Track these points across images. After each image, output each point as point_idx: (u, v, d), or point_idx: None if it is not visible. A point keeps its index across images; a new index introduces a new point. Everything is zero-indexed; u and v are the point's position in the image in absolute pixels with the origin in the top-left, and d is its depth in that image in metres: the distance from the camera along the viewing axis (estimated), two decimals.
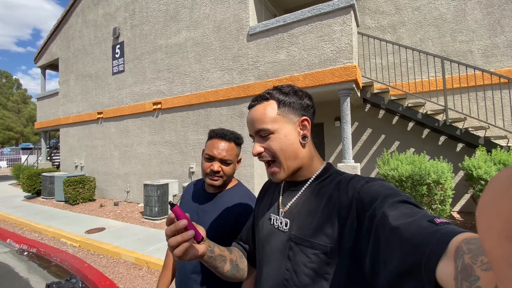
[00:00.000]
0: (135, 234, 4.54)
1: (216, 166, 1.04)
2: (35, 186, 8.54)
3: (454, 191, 3.73)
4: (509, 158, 3.51)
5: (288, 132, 0.66)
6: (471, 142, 4.31)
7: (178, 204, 1.26)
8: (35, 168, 10.29)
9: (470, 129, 4.37)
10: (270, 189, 0.82)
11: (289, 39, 4.81)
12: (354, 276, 0.53)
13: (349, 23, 4.30)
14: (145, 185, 5.60)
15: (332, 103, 5.77)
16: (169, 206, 0.47)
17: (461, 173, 4.79)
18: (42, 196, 8.12)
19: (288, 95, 0.68)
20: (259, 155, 0.68)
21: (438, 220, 0.39)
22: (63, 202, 7.34)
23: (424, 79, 5.25)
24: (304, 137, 0.67)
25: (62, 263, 3.67)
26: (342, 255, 0.54)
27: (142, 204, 6.53)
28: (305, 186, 0.68)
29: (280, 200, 0.72)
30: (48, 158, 11.45)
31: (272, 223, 0.71)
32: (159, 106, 6.59)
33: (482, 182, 3.54)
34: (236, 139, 1.10)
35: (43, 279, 3.30)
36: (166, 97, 6.52)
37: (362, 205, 0.52)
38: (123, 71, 7.48)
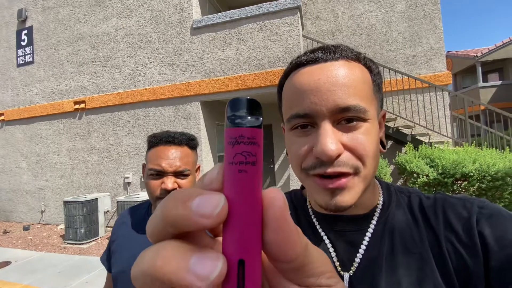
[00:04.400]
0: (54, 266, 3.67)
1: (170, 182, 0.75)
2: None
3: None
4: (434, 153, 4.00)
5: (377, 128, 0.40)
6: (400, 139, 4.84)
7: (111, 241, 0.87)
8: None
9: (400, 127, 4.89)
10: None
11: (237, 36, 4.61)
12: None
13: (297, 24, 4.34)
14: (66, 203, 4.63)
15: None
16: (229, 111, 0.13)
17: (391, 167, 5.35)
18: None
19: (377, 69, 0.42)
20: (333, 159, 0.35)
21: None
22: None
23: None
24: (381, 142, 0.42)
25: None
26: None
27: (62, 226, 5.40)
28: (373, 223, 0.41)
29: (334, 254, 0.42)
30: None
31: None
32: (82, 105, 5.62)
33: (415, 175, 3.95)
34: (189, 141, 0.83)
35: None
36: (91, 95, 5.60)
37: (486, 248, 0.34)
38: (31, 62, 6.16)
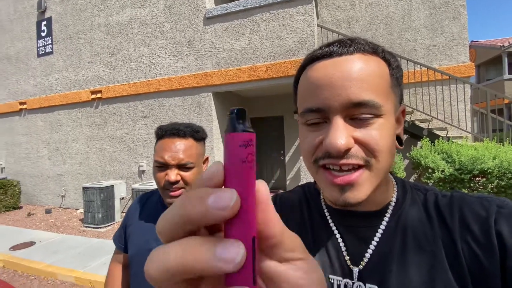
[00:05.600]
0: (74, 248, 3.86)
1: (173, 175, 0.76)
2: None
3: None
4: (451, 148, 3.87)
5: (394, 123, 0.39)
6: (416, 133, 4.68)
7: (127, 225, 0.92)
8: None
9: (416, 121, 4.74)
10: (295, 214, 0.50)
11: (250, 26, 4.54)
12: None
13: (311, 13, 4.22)
14: (85, 188, 4.84)
15: (292, 96, 5.72)
16: (229, 117, 0.15)
17: (405, 161, 5.22)
18: None
19: (397, 62, 0.40)
20: (344, 153, 0.35)
21: None
22: None
23: None
24: (399, 138, 0.42)
25: None
26: None
27: (81, 210, 5.66)
28: (385, 220, 0.41)
29: (344, 249, 0.42)
30: None
31: None
32: (99, 95, 5.75)
33: (430, 170, 3.84)
34: (194, 133, 0.84)
35: None
36: (107, 85, 5.71)
37: (504, 248, 0.33)
38: (51, 52, 6.33)
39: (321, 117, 0.38)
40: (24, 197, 6.73)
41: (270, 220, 0.16)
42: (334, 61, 0.37)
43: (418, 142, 4.83)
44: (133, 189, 4.49)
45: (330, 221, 0.45)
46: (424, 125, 4.81)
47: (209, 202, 0.14)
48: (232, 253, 0.13)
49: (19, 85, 6.85)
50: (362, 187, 0.36)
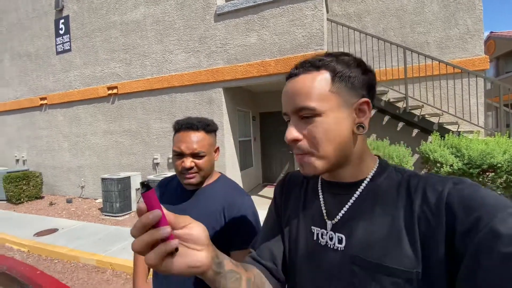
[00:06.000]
0: (95, 234, 4.12)
1: (187, 162, 0.92)
2: None
3: None
4: (460, 142, 3.86)
5: (340, 117, 0.50)
6: (426, 128, 4.65)
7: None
8: None
9: (426, 115, 4.70)
10: (296, 189, 0.67)
11: (260, 22, 4.59)
12: None
13: (321, 8, 4.23)
14: (103, 179, 5.09)
15: None
16: (140, 188, 0.35)
17: (415, 156, 5.19)
18: None
19: (349, 66, 0.51)
20: (293, 143, 0.52)
21: None
22: (5, 202, 6.46)
23: (387, 68, 5.48)
24: (359, 126, 0.52)
25: (10, 271, 3.17)
26: (431, 282, 0.42)
27: (100, 200, 5.96)
28: (359, 190, 0.54)
29: (324, 208, 0.58)
30: None
31: (315, 238, 0.56)
32: (115, 91, 5.96)
33: (438, 164, 3.85)
34: (206, 127, 0.98)
35: None
36: (123, 81, 5.90)
37: (453, 216, 0.40)
38: (69, 50, 6.56)
39: (288, 118, 0.55)
40: (46, 187, 7.08)
41: (168, 219, 0.38)
42: (290, 81, 0.54)
43: (429, 136, 4.80)
44: (148, 180, 4.72)
45: (319, 188, 0.61)
46: (434, 120, 4.77)
47: (150, 216, 0.36)
48: (167, 229, 0.36)
49: (39, 81, 7.14)
50: (310, 166, 0.52)
